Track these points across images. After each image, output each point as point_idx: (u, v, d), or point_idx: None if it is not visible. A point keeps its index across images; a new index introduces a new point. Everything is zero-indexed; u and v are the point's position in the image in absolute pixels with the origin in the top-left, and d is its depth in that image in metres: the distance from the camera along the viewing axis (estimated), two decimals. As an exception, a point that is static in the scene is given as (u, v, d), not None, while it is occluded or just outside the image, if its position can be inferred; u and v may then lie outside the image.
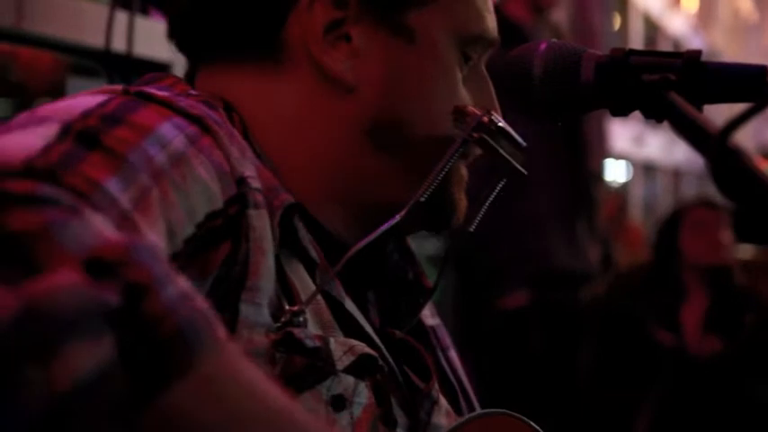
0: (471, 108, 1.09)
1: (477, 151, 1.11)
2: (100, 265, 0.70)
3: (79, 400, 0.67)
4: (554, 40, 1.06)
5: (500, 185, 1.12)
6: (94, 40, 1.64)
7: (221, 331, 0.75)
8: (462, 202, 1.13)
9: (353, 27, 1.06)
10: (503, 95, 1.09)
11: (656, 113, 0.98)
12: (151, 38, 1.82)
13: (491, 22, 1.13)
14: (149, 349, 0.70)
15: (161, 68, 1.09)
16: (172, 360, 0.71)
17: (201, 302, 0.75)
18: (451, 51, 1.10)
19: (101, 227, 0.74)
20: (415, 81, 1.08)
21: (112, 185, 0.82)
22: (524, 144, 1.10)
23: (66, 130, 0.85)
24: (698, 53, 0.99)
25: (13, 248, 0.69)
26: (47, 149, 0.81)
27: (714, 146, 0.89)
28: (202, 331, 0.73)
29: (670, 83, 0.97)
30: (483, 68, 1.15)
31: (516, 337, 3.65)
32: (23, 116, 0.89)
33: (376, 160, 1.09)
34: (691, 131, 0.94)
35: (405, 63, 1.08)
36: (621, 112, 1.02)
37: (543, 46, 1.04)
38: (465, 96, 1.11)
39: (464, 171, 1.13)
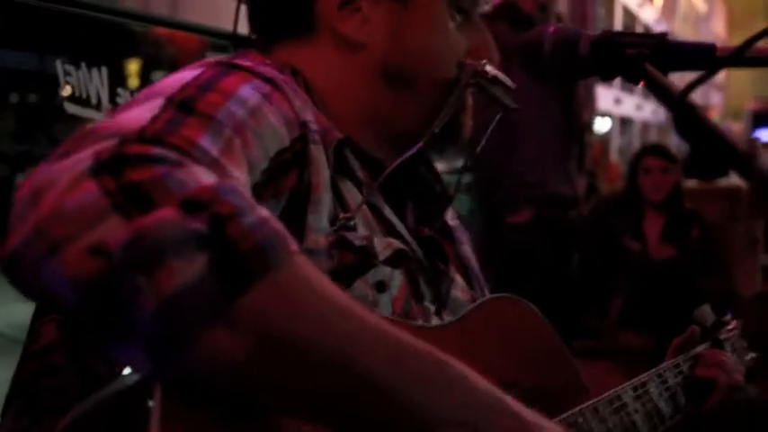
0: (471, 60, 1.09)
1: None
2: (194, 204, 0.69)
3: (180, 301, 0.66)
4: (560, 24, 1.05)
5: (497, 117, 1.11)
6: (226, 25, 1.65)
7: (294, 246, 0.73)
8: (469, 123, 1.12)
9: (363, 1, 1.06)
10: (521, 65, 1.09)
11: (634, 78, 0.97)
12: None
13: None
14: (234, 261, 0.68)
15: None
16: (252, 268, 0.69)
17: (277, 224, 0.73)
18: (442, 8, 1.08)
19: (197, 175, 0.73)
20: (413, 35, 1.07)
21: (205, 141, 0.80)
22: (513, 85, 1.09)
23: (169, 102, 0.84)
24: (665, 34, 0.98)
25: (132, 194, 0.69)
26: (154, 119, 0.80)
27: (677, 102, 0.89)
28: (277, 246, 0.71)
29: (645, 56, 0.96)
30: (477, 16, 1.12)
31: (524, 245, 3.65)
32: (142, 92, 0.88)
33: (393, 98, 1.07)
34: (660, 91, 0.94)
35: (403, 22, 1.07)
36: (609, 77, 1.01)
37: (552, 29, 1.02)
38: (459, 42, 1.09)
39: (470, 100, 1.12)
